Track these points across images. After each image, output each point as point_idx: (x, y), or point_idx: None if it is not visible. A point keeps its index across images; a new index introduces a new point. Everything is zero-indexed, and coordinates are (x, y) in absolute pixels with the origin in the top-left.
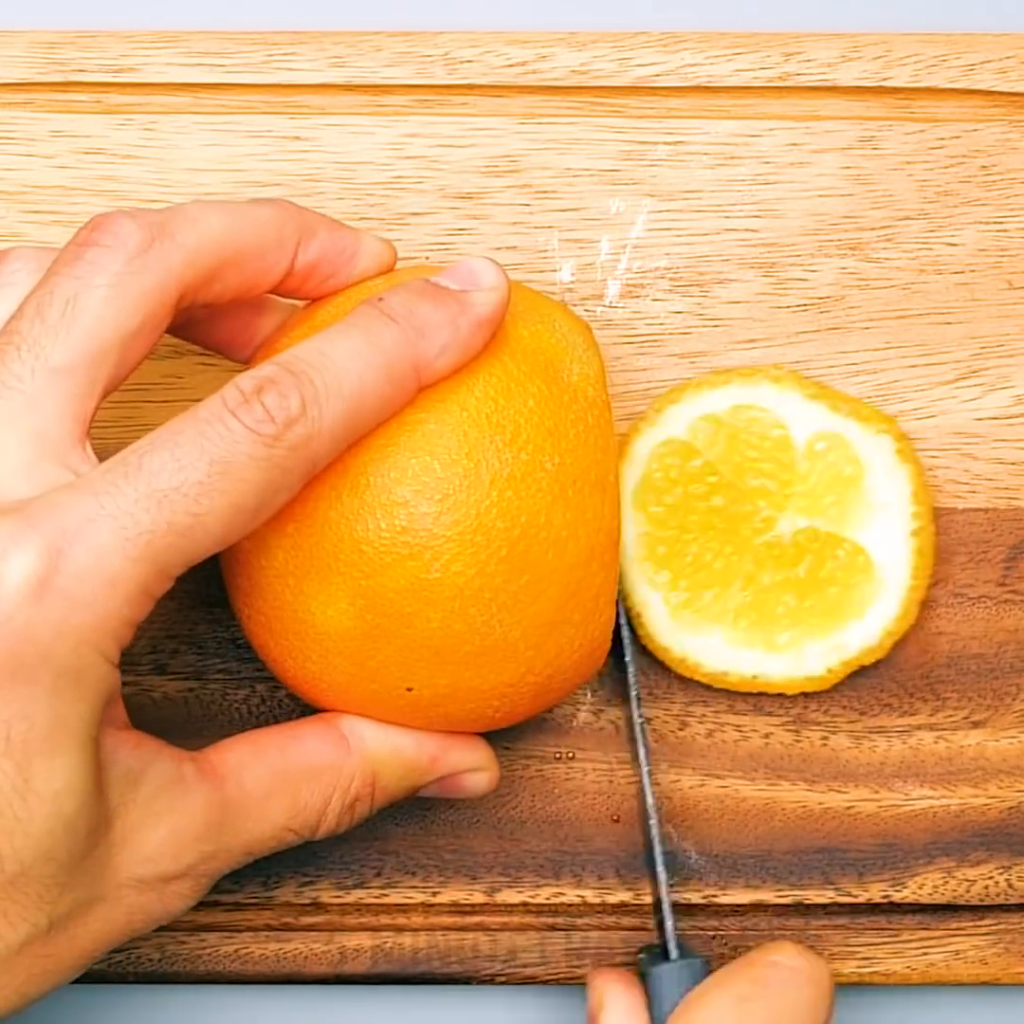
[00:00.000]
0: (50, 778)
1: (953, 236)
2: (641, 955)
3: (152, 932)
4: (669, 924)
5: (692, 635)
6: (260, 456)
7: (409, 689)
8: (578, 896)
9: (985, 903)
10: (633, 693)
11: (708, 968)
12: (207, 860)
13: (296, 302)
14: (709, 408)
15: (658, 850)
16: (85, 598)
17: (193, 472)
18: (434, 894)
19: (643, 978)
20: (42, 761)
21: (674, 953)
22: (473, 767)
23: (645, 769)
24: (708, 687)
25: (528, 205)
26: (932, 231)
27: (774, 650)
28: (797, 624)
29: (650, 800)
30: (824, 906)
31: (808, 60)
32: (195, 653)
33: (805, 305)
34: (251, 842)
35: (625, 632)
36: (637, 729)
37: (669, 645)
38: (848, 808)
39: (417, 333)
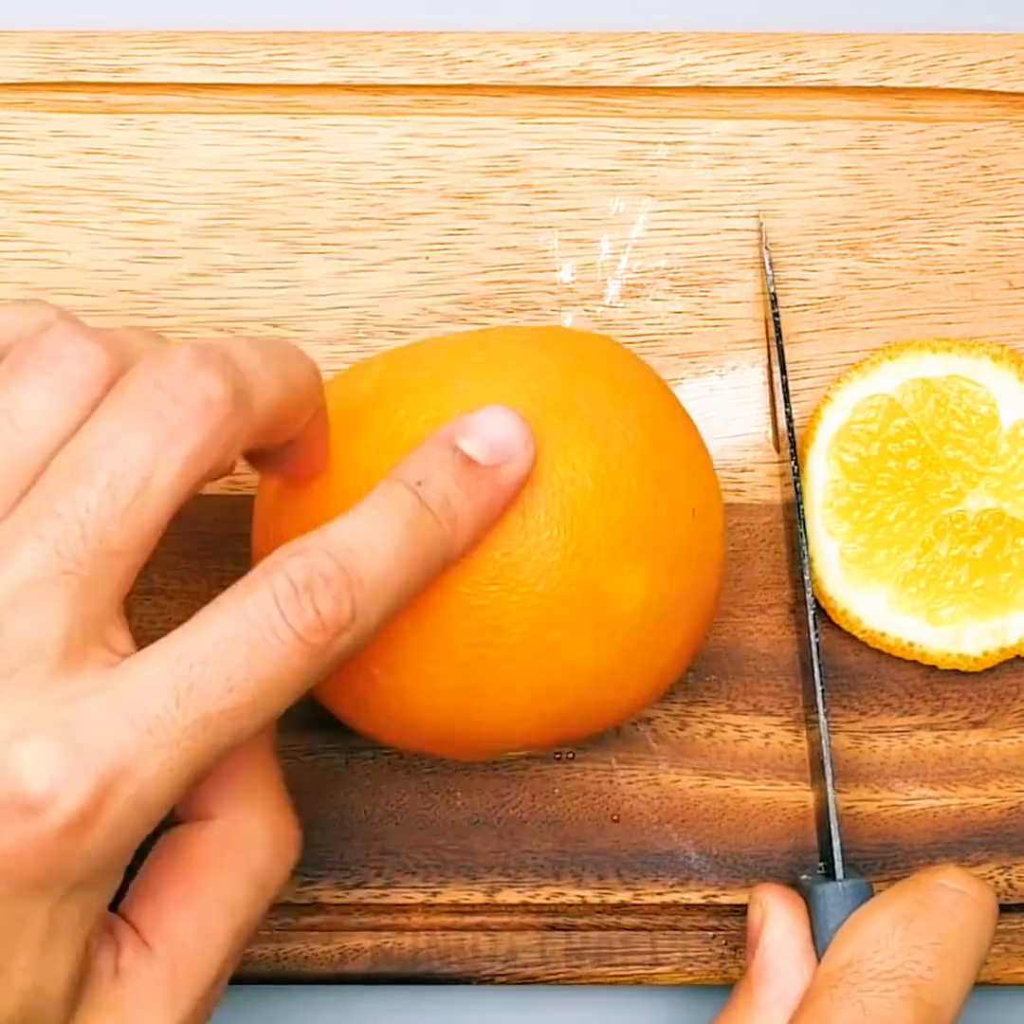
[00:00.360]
0: (26, 975)
1: (953, 236)
2: (804, 876)
3: None
4: (837, 843)
5: (858, 590)
6: (305, 667)
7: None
8: (578, 896)
9: None
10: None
11: (872, 891)
12: (184, 1018)
13: None
14: (925, 371)
15: (828, 763)
16: (125, 828)
17: (243, 695)
18: (434, 894)
19: (806, 897)
20: (25, 959)
21: (840, 873)
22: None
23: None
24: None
25: (528, 205)
26: (932, 231)
27: (935, 622)
28: (962, 601)
29: (822, 704)
30: None
31: (808, 60)
32: None
33: (805, 305)
34: (218, 969)
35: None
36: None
37: (834, 595)
38: (848, 808)
39: (452, 526)
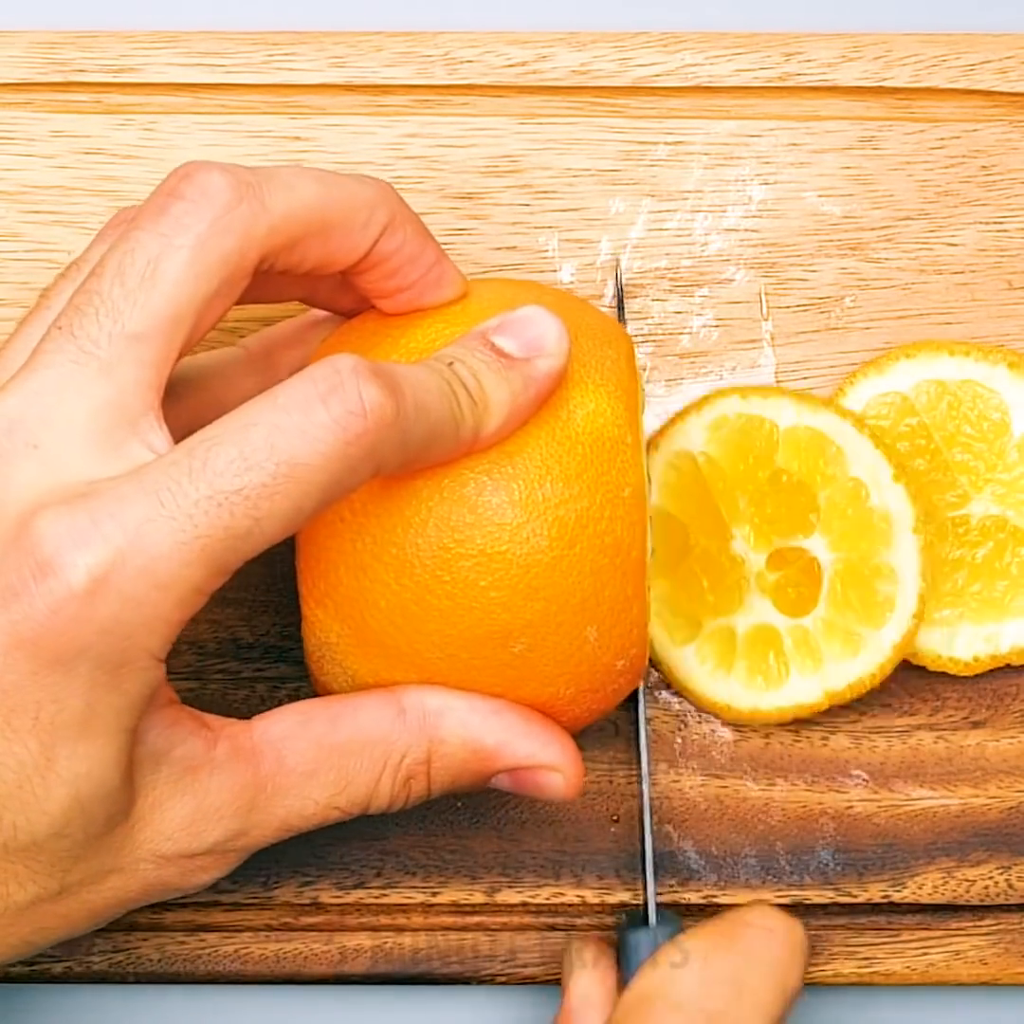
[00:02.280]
0: (72, 762)
1: (953, 236)
2: (620, 919)
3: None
4: (651, 889)
5: None
6: (336, 453)
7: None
8: (578, 896)
9: (985, 903)
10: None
11: (682, 932)
12: (234, 838)
13: None
14: (941, 373)
15: (647, 817)
16: (136, 599)
17: (259, 473)
18: (434, 894)
19: (620, 943)
20: (67, 745)
21: (652, 918)
22: (548, 763)
23: (643, 721)
24: None
25: (528, 205)
26: (932, 231)
27: (928, 623)
28: (958, 605)
29: (644, 765)
30: (824, 906)
31: (808, 60)
32: (195, 653)
33: (805, 305)
34: (288, 818)
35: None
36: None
37: None
38: (848, 808)
39: (483, 406)
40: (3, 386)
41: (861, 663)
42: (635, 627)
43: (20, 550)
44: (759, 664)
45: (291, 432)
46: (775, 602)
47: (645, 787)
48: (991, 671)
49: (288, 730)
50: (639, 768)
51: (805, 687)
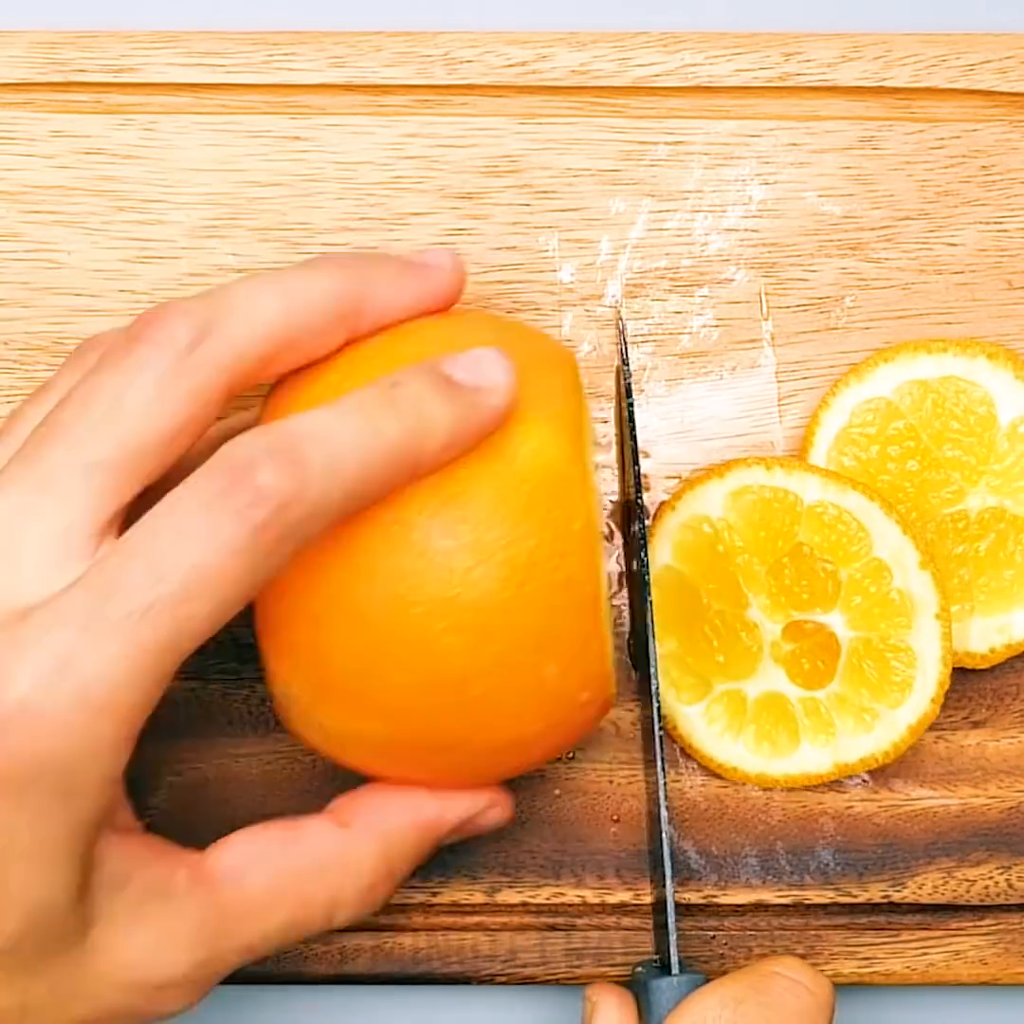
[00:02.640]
0: (26, 887)
1: (953, 236)
2: (638, 968)
3: None
4: (673, 937)
5: None
6: (243, 548)
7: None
8: (578, 896)
9: (985, 903)
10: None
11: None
12: (201, 966)
13: None
14: (921, 373)
15: (668, 864)
16: (72, 727)
17: (169, 584)
18: (434, 894)
19: (640, 991)
20: (18, 872)
21: (676, 967)
22: (485, 804)
23: (662, 781)
24: None
25: (528, 205)
26: (932, 231)
27: None
28: (967, 599)
29: (664, 813)
30: (824, 906)
31: (808, 60)
32: (195, 653)
33: (805, 305)
34: (252, 943)
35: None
36: (657, 741)
37: None
38: (848, 808)
39: (423, 430)
40: None
41: (874, 740)
42: (597, 660)
43: None
44: (769, 731)
45: (195, 536)
46: (788, 672)
47: (665, 836)
48: (991, 670)
49: (244, 858)
50: (657, 819)
51: (815, 758)
